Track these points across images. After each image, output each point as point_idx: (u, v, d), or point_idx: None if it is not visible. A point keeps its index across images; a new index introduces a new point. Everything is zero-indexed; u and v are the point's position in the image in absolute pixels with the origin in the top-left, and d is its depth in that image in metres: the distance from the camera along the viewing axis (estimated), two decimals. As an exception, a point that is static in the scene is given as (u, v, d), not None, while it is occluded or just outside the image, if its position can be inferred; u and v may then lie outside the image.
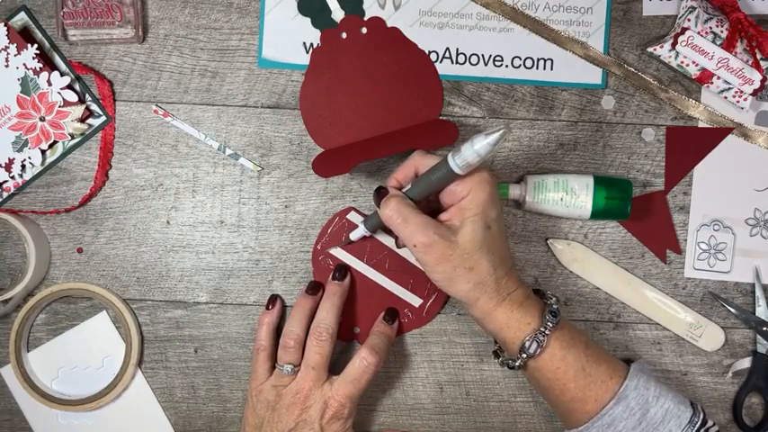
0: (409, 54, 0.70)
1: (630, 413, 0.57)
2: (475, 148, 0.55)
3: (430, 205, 0.62)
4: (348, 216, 0.70)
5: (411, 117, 0.69)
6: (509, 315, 0.59)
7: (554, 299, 0.62)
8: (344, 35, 0.69)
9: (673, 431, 0.57)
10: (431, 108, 0.69)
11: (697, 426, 0.58)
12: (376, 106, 0.69)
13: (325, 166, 0.66)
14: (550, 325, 0.58)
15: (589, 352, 0.60)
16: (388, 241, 0.69)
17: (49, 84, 0.67)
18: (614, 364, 0.60)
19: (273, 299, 0.69)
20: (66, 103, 0.68)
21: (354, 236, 0.67)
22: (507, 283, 0.59)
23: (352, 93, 0.69)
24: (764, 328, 0.69)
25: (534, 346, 0.58)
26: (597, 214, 0.67)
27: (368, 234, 0.67)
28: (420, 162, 0.61)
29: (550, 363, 0.59)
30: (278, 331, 0.68)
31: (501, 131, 0.54)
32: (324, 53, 0.69)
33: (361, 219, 0.68)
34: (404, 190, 0.61)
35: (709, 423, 0.59)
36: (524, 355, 0.59)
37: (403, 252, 0.69)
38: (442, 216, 0.60)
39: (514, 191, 0.68)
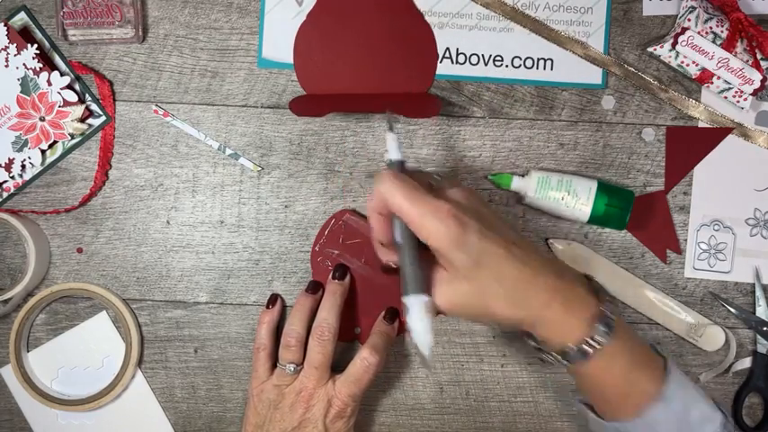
0: (415, 25, 0.69)
1: (671, 415, 0.54)
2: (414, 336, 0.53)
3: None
4: (344, 218, 0.69)
5: (400, 85, 0.69)
6: (554, 318, 0.53)
7: (608, 300, 0.55)
8: None
9: None
10: (422, 82, 0.69)
11: (730, 430, 0.55)
12: (369, 65, 0.69)
13: (301, 106, 0.67)
14: (599, 338, 0.53)
15: (634, 359, 0.55)
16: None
17: (49, 84, 0.67)
18: (655, 367, 0.56)
19: (274, 298, 0.69)
20: (66, 103, 0.68)
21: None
22: (537, 294, 0.53)
23: (349, 45, 0.69)
24: (764, 328, 0.69)
25: (579, 356, 0.53)
26: (595, 220, 0.67)
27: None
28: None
29: (592, 371, 0.54)
30: (278, 331, 0.68)
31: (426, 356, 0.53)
32: None
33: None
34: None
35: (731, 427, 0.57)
36: (566, 362, 0.54)
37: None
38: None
39: (517, 183, 0.68)
